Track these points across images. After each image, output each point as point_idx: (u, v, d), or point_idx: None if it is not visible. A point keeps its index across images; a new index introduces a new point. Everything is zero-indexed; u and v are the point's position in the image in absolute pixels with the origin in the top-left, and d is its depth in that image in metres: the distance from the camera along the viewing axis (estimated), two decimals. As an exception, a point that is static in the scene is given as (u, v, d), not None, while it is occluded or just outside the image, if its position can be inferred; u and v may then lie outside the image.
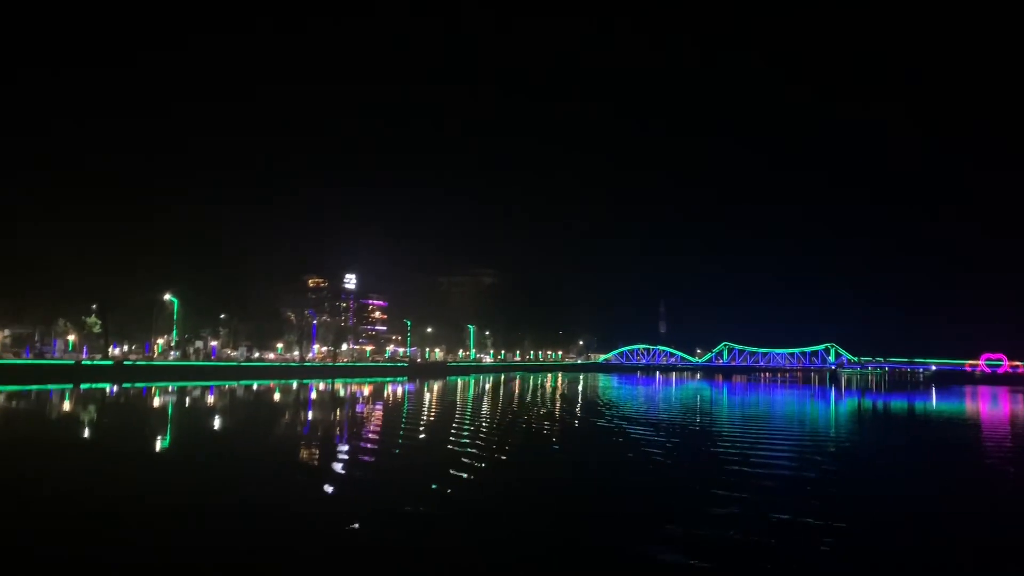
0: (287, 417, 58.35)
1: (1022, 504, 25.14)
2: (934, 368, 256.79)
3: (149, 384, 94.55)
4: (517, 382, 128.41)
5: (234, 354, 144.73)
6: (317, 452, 34.52)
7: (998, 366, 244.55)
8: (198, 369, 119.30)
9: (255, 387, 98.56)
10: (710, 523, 19.35)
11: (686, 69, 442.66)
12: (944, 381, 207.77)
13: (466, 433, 40.88)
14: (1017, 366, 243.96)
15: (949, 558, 17.21)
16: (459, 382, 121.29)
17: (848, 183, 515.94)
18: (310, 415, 59.51)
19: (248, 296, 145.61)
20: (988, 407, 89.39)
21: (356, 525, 18.61)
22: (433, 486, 23.67)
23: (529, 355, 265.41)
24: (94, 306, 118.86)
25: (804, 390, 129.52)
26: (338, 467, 29.15)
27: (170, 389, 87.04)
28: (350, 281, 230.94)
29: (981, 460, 38.10)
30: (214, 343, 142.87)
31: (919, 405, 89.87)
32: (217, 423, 52.20)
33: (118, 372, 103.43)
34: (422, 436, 40.69)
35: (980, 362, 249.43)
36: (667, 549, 16.62)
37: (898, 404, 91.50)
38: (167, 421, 52.89)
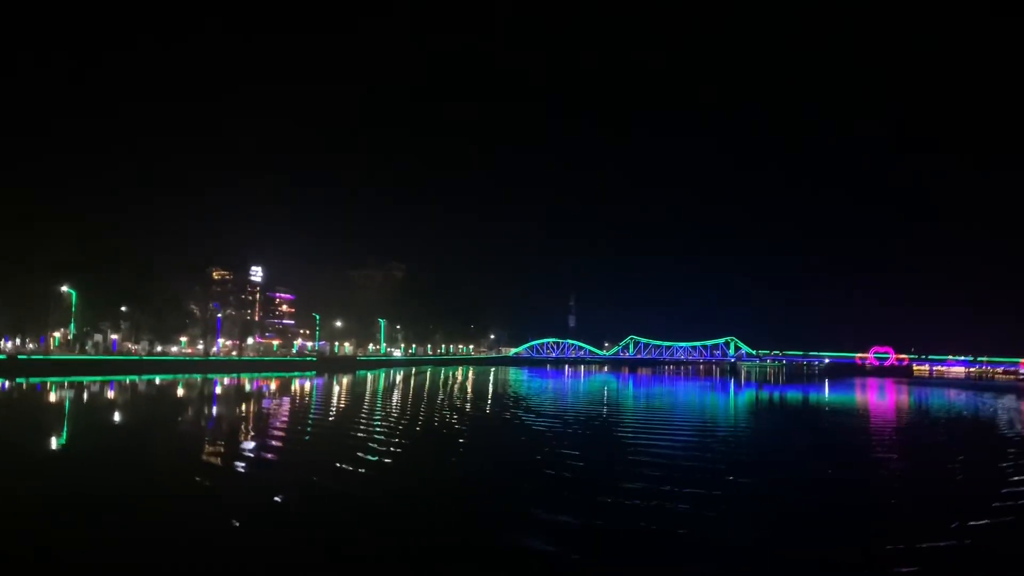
0: (184, 413, 57.45)
1: (881, 480, 27.57)
2: (827, 361, 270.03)
3: (45, 379, 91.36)
4: (427, 376, 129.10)
5: (136, 348, 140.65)
6: (210, 449, 33.94)
7: (885, 359, 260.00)
8: (97, 363, 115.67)
9: (157, 382, 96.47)
10: (596, 510, 20.98)
11: (586, 61, 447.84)
12: (836, 373, 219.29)
13: (367, 428, 41.10)
14: (903, 359, 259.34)
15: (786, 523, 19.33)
16: (368, 376, 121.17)
17: (754, 177, 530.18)
18: (210, 411, 58.37)
19: (150, 288, 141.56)
20: (874, 397, 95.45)
21: (236, 523, 18.82)
22: (323, 482, 24.03)
23: (440, 349, 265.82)
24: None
25: (705, 382, 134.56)
26: (231, 464, 28.90)
27: (66, 384, 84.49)
28: (256, 274, 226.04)
29: (858, 443, 41.26)
30: (115, 336, 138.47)
31: (811, 396, 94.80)
32: (116, 418, 51.41)
33: (11, 367, 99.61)
34: (320, 432, 40.62)
35: (869, 355, 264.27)
36: (545, 539, 17.55)
37: (792, 395, 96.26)
38: (63, 417, 51.61)
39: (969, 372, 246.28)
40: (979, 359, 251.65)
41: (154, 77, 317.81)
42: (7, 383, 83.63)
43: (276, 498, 21.55)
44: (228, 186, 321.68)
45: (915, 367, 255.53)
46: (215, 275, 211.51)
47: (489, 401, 68.45)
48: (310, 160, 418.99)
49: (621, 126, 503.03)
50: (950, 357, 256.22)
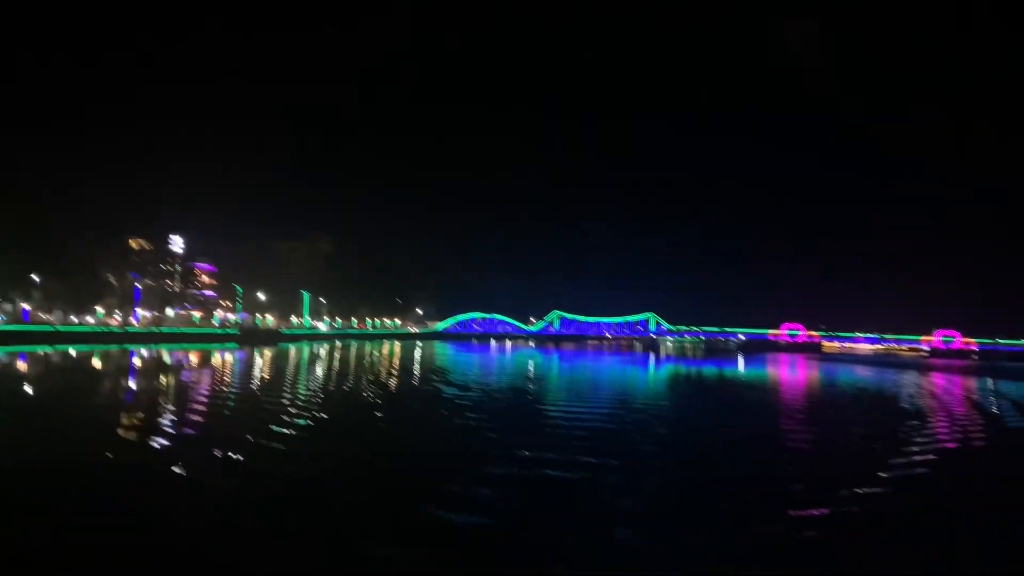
0: (93, 386, 56.12)
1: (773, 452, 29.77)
2: (742, 337, 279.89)
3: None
4: (352, 349, 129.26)
5: (49, 318, 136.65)
6: (117, 422, 32.37)
7: (796, 335, 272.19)
8: (7, 333, 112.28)
9: (72, 353, 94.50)
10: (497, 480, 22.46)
11: (504, 36, 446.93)
12: (752, 349, 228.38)
13: (283, 401, 41.06)
14: (813, 336, 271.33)
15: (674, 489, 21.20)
16: (292, 349, 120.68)
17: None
18: (122, 384, 56.49)
19: (63, 256, 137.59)
20: (785, 371, 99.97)
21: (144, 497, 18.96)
22: (236, 457, 24.21)
23: (367, 323, 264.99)
24: None
25: (626, 356, 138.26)
26: (141, 436, 28.48)
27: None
28: (176, 244, 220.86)
29: (763, 413, 43.93)
30: (26, 306, 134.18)
31: (726, 370, 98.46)
32: (27, 390, 50.53)
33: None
34: (237, 405, 40.54)
35: (781, 331, 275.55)
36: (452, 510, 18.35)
37: (707, 369, 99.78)
38: None
39: (876, 349, 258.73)
40: (885, 336, 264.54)
41: (65, 47, 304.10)
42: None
43: (176, 470, 21.90)
44: (147, 155, 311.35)
45: (825, 343, 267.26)
46: (133, 244, 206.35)
47: (411, 375, 69.51)
48: (231, 128, 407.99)
49: (529, 101, 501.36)
50: (858, 335, 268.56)
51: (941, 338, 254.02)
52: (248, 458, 24.04)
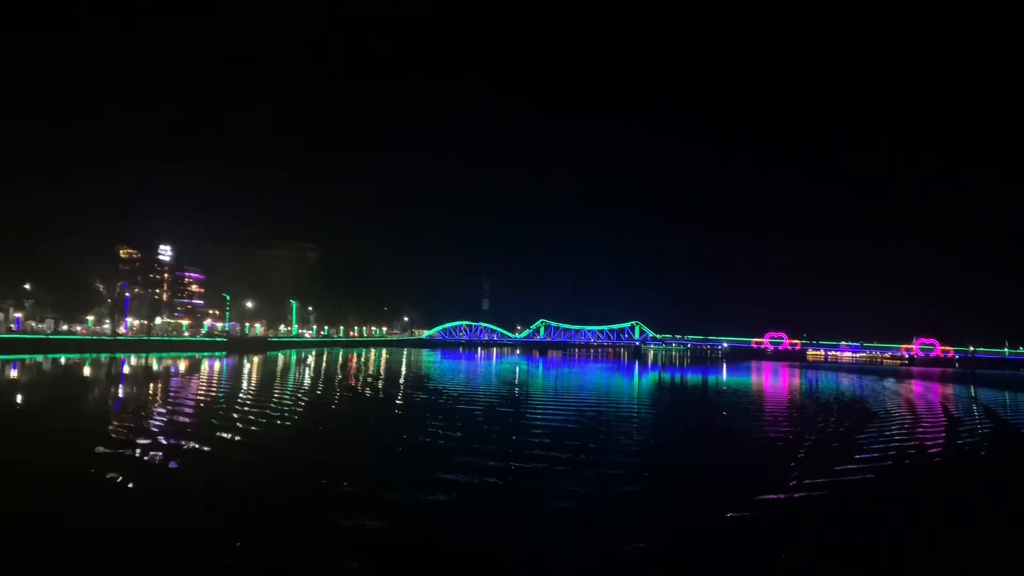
0: (82, 394, 56.39)
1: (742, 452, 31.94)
2: (726, 345, 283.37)
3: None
4: (339, 357, 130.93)
5: (40, 326, 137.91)
6: (98, 429, 32.34)
7: (779, 343, 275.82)
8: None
9: (63, 361, 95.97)
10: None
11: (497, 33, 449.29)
12: (737, 357, 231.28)
13: (258, 409, 41.54)
14: (795, 343, 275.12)
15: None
16: (279, 357, 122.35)
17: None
18: (111, 391, 57.56)
19: (54, 265, 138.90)
20: (768, 379, 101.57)
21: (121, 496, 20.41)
22: (224, 458, 25.54)
23: (353, 331, 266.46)
24: None
25: (612, 364, 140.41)
26: (121, 445, 28.61)
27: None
28: (165, 253, 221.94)
29: (736, 418, 45.95)
30: (18, 315, 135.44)
31: (710, 378, 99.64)
32: (18, 398, 51.67)
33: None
34: (225, 410, 41.74)
35: (765, 340, 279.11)
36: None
37: (691, 377, 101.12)
38: None
39: (856, 357, 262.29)
40: (866, 344, 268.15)
41: (55, 60, 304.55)
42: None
43: (172, 466, 23.74)
44: (136, 164, 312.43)
45: (810, 352, 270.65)
46: (122, 253, 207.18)
47: (396, 382, 71.33)
48: (220, 141, 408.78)
49: (514, 103, 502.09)
50: (842, 343, 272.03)
51: (920, 346, 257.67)
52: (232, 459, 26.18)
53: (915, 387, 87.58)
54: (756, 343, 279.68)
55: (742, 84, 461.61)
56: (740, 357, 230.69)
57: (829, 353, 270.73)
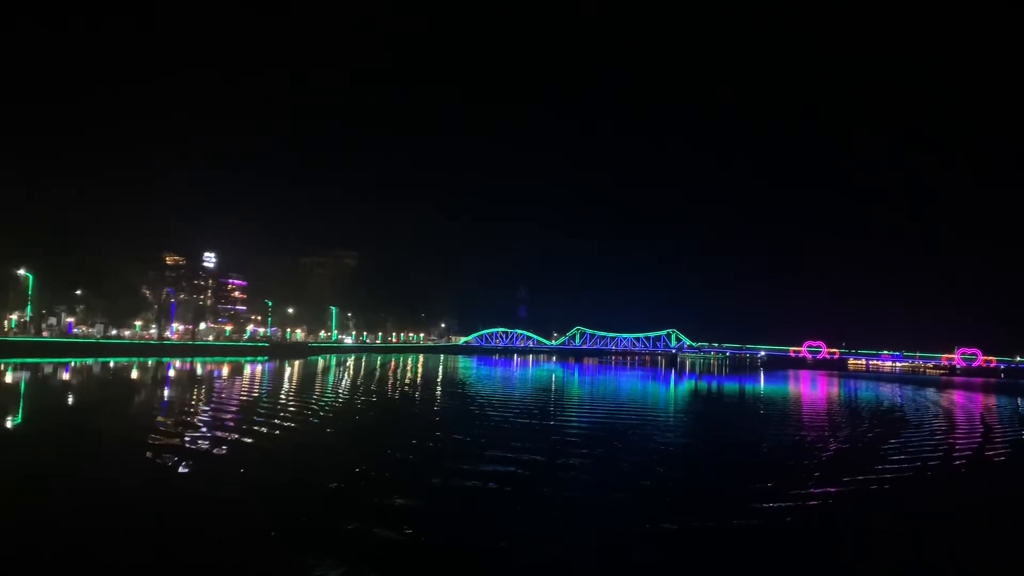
0: (131, 395, 58.02)
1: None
2: (763, 354, 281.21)
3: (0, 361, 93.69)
4: (377, 363, 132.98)
5: (91, 331, 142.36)
6: (149, 428, 33.98)
7: (818, 352, 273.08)
8: (53, 346, 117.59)
9: (112, 365, 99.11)
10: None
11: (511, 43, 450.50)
12: (773, 365, 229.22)
13: (307, 410, 43.28)
14: (834, 352, 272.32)
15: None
16: (319, 362, 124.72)
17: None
18: (157, 393, 59.88)
19: (105, 272, 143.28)
20: (807, 388, 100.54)
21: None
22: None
23: (391, 337, 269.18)
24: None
25: (648, 372, 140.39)
26: (170, 443, 29.86)
27: (21, 366, 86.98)
28: (210, 259, 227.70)
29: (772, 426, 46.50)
30: (70, 320, 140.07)
31: (748, 387, 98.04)
32: (69, 400, 53.74)
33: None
34: (267, 411, 43.15)
35: (803, 349, 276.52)
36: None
37: (729, 386, 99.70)
38: (19, 397, 53.40)
39: (896, 366, 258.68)
40: (906, 354, 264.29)
41: (106, 64, 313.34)
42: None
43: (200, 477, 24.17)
44: (183, 172, 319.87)
45: (851, 361, 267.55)
46: (169, 260, 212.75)
47: (434, 389, 72.79)
48: (266, 148, 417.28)
49: (578, 118, 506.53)
50: (883, 352, 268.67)
51: (962, 355, 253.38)
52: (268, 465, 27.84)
53: (957, 398, 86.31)
54: (794, 352, 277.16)
55: (759, 97, 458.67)
56: (778, 366, 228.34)
57: (870, 362, 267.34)
